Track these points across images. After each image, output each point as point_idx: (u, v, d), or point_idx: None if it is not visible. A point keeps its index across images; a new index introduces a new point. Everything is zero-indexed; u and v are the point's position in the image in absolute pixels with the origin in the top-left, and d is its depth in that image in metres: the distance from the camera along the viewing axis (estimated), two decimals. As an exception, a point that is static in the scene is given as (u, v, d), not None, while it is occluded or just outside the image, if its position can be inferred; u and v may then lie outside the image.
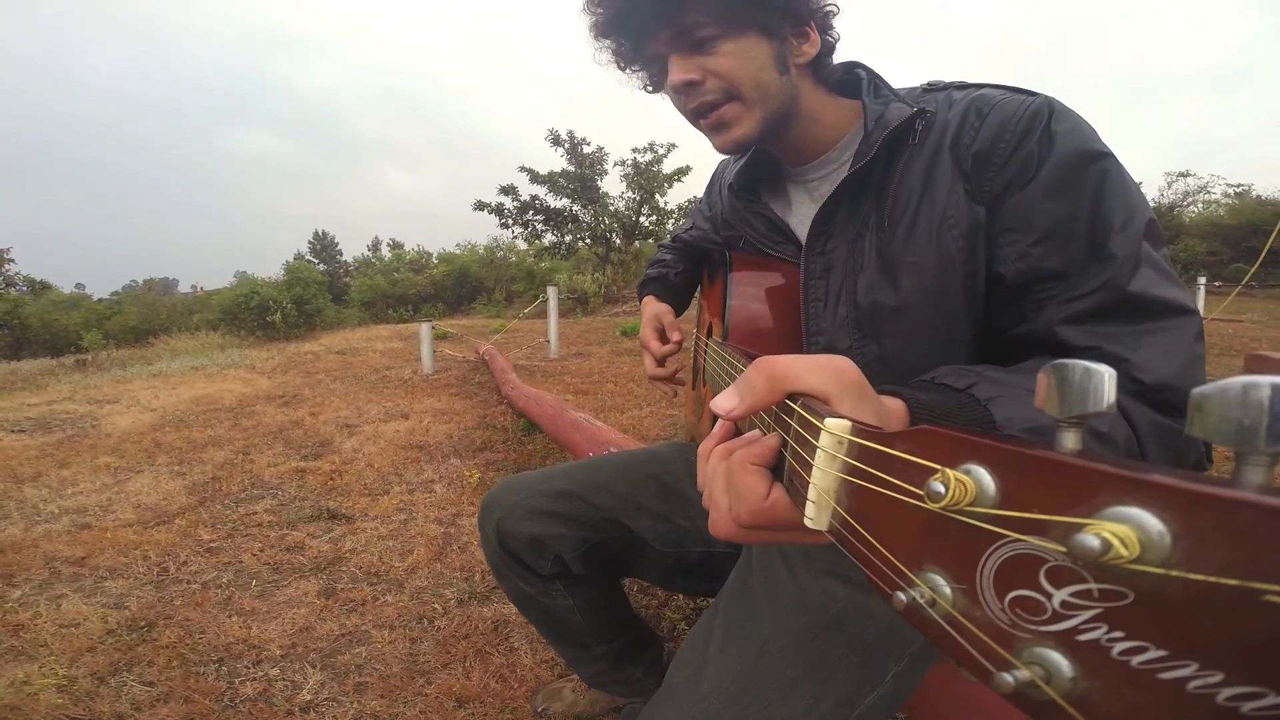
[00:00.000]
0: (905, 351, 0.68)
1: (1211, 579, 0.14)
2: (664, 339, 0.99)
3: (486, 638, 1.44)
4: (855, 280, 0.70)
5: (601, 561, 0.95)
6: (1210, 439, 0.17)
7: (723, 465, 0.42)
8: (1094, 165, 0.59)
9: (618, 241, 14.95)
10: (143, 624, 1.52)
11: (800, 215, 0.81)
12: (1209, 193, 18.90)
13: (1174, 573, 0.15)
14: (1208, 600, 0.15)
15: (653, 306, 1.04)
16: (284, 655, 1.39)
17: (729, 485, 0.40)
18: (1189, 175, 19.16)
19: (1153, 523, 0.16)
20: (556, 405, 3.08)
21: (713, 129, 0.72)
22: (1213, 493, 0.15)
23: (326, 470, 2.79)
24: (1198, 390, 0.18)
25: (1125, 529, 0.16)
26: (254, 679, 1.30)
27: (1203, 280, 9.18)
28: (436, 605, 1.59)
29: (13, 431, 3.85)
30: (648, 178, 14.24)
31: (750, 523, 0.39)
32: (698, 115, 0.71)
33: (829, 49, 0.73)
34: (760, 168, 0.86)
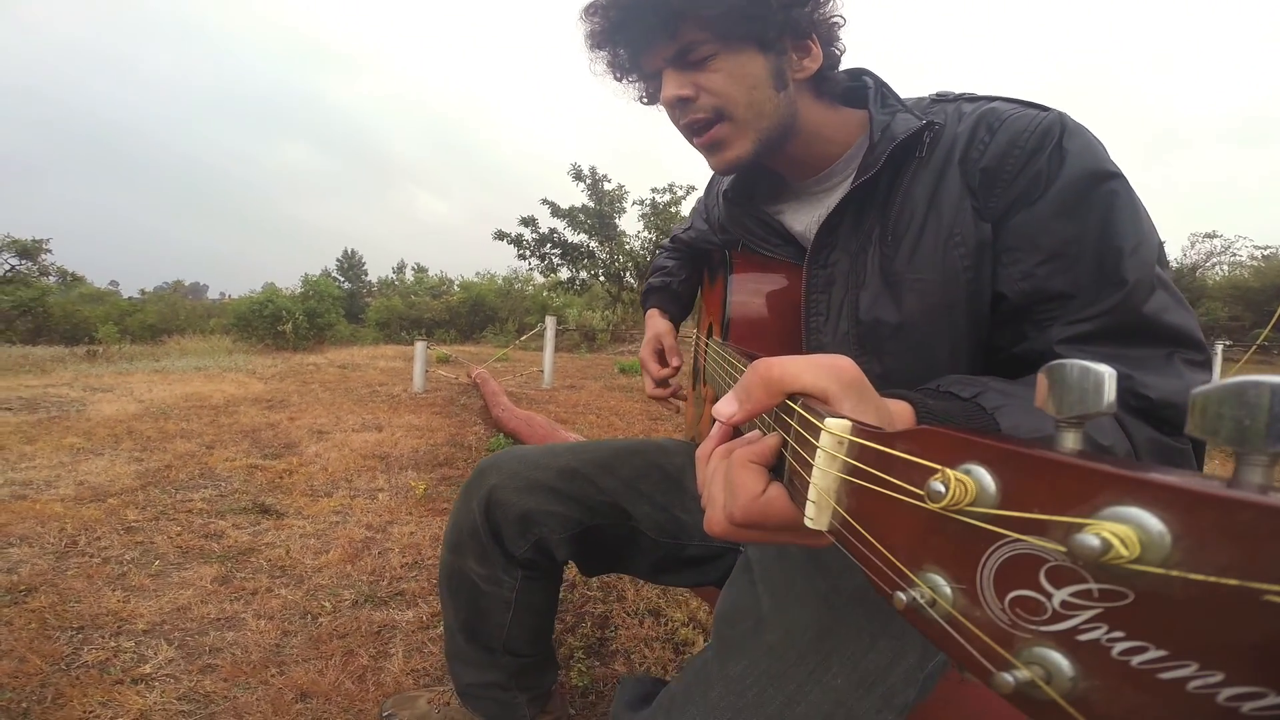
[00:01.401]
0: (906, 369, 0.66)
1: (1212, 579, 0.14)
2: (663, 361, 0.98)
3: (362, 640, 1.38)
4: (857, 295, 0.68)
5: (589, 548, 0.91)
6: (1210, 439, 0.17)
7: (722, 464, 0.41)
8: (1104, 185, 0.57)
9: (631, 281, 15.11)
10: (23, 588, 1.49)
11: (800, 219, 0.79)
12: (1234, 254, 18.40)
13: (1174, 573, 0.15)
14: (1208, 600, 0.15)
15: (655, 325, 1.03)
16: (147, 631, 1.35)
17: (726, 482, 0.39)
18: (1215, 236, 18.50)
19: (1153, 523, 0.16)
20: (548, 426, 3.07)
21: (707, 149, 0.70)
22: (1213, 493, 0.15)
23: (279, 469, 2.78)
24: (1198, 390, 0.17)
25: (1125, 529, 0.16)
26: (102, 648, 1.26)
27: (1220, 346, 8.98)
28: (327, 603, 1.54)
29: (1, 409, 3.92)
30: (665, 218, 14.44)
31: (743, 519, 0.38)
32: (691, 132, 0.70)
33: (833, 62, 0.71)
34: (758, 174, 0.84)
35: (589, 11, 0.69)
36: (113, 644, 1.29)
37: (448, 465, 3.06)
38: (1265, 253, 17.80)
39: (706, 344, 0.94)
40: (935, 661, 0.58)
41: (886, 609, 0.58)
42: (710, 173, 1.04)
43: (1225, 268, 18.24)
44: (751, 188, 0.85)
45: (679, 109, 0.68)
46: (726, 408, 0.41)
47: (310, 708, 1.14)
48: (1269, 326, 6.14)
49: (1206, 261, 18.09)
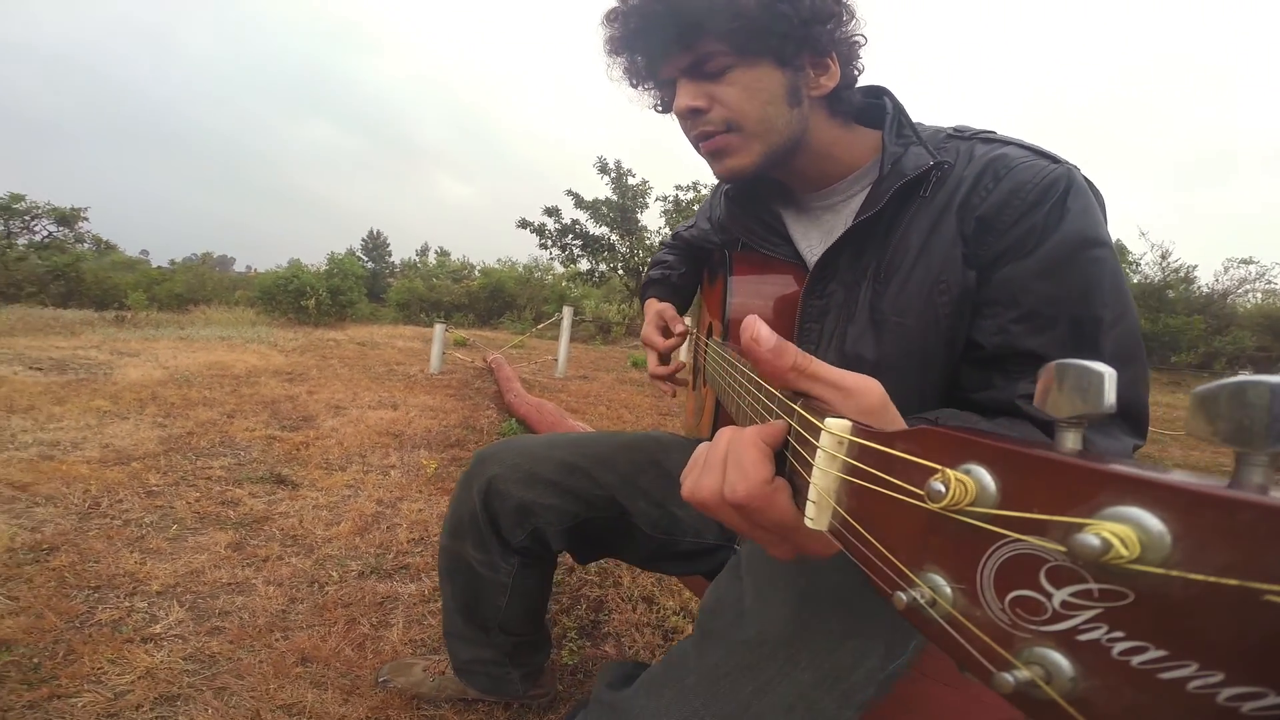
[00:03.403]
0: None
1: (1212, 579, 0.14)
2: (667, 334, 0.99)
3: (366, 609, 1.42)
4: (846, 329, 0.70)
5: (584, 539, 0.93)
6: (1210, 439, 0.17)
7: (728, 437, 0.40)
8: (1090, 251, 0.58)
9: (649, 276, 15.03)
10: (45, 547, 1.54)
11: (798, 226, 0.80)
12: (1270, 282, 17.35)
13: (1174, 573, 0.15)
14: (1208, 600, 0.15)
15: (656, 305, 1.05)
16: (160, 592, 1.39)
17: (734, 458, 0.38)
18: (1251, 262, 17.29)
19: (1153, 523, 0.16)
20: (556, 414, 3.11)
21: (711, 155, 0.71)
22: (1213, 493, 0.15)
23: (296, 441, 2.84)
24: (1199, 390, 0.17)
25: (1125, 529, 0.16)
26: (116, 608, 1.31)
27: (1244, 375, 8.74)
28: (334, 573, 1.58)
29: (31, 368, 4.04)
30: (687, 215, 14.36)
31: (744, 502, 0.37)
32: (699, 140, 0.71)
33: (849, 82, 0.70)
34: (763, 180, 0.85)
35: (609, 18, 0.69)
36: (127, 604, 1.33)
37: (459, 446, 3.10)
38: (1300, 279, 16.95)
39: (707, 344, 0.94)
40: (897, 663, 0.60)
41: (857, 611, 0.61)
42: None
43: (1259, 295, 17.44)
44: (755, 190, 0.85)
45: (690, 119, 0.69)
46: (765, 335, 0.38)
47: (310, 671, 1.17)
48: None
49: (1238, 288, 17.30)
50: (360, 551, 1.74)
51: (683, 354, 1.08)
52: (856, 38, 0.69)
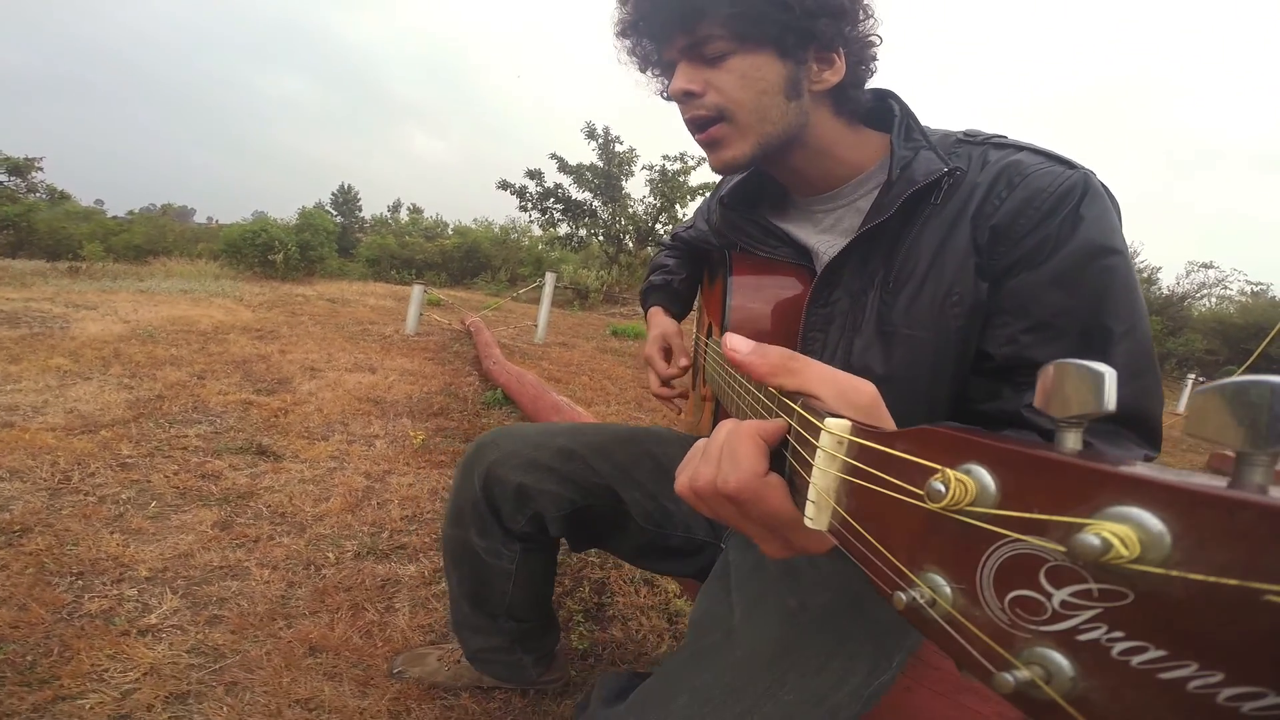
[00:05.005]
0: None
1: (1211, 579, 0.14)
2: (670, 359, 0.99)
3: (368, 594, 1.38)
4: (852, 340, 0.68)
5: (581, 527, 0.94)
6: (1210, 439, 0.17)
7: (726, 430, 0.41)
8: (1103, 260, 0.57)
9: (630, 244, 14.91)
10: (17, 528, 1.45)
11: (799, 227, 0.78)
12: (1226, 287, 18.28)
13: (1174, 573, 0.15)
14: (1208, 600, 0.15)
15: (661, 324, 1.03)
16: (149, 578, 1.33)
17: (729, 450, 0.39)
18: (1211, 266, 18.21)
19: (1153, 522, 0.16)
20: (538, 386, 3.04)
21: (706, 146, 0.70)
22: (1213, 493, 0.15)
23: (274, 407, 2.74)
24: (1199, 390, 0.17)
25: (1125, 529, 0.16)
26: (104, 596, 1.24)
27: (1191, 377, 9.17)
28: (330, 554, 1.54)
29: (-21, 321, 3.79)
30: (672, 186, 14.17)
31: (735, 494, 0.37)
32: (694, 128, 0.70)
33: (857, 80, 0.69)
34: (760, 183, 0.83)
35: (622, 0, 0.70)
36: (115, 592, 1.27)
37: (443, 415, 3.04)
38: (1256, 288, 17.74)
39: (706, 344, 0.93)
40: (881, 679, 0.62)
41: (842, 631, 0.62)
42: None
43: (1214, 300, 18.20)
44: (753, 196, 0.84)
45: (684, 102, 0.68)
46: (741, 343, 0.40)
47: (320, 662, 1.14)
48: (1244, 366, 6.16)
49: (1197, 292, 17.99)
50: (354, 530, 1.70)
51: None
52: (871, 37, 0.68)
